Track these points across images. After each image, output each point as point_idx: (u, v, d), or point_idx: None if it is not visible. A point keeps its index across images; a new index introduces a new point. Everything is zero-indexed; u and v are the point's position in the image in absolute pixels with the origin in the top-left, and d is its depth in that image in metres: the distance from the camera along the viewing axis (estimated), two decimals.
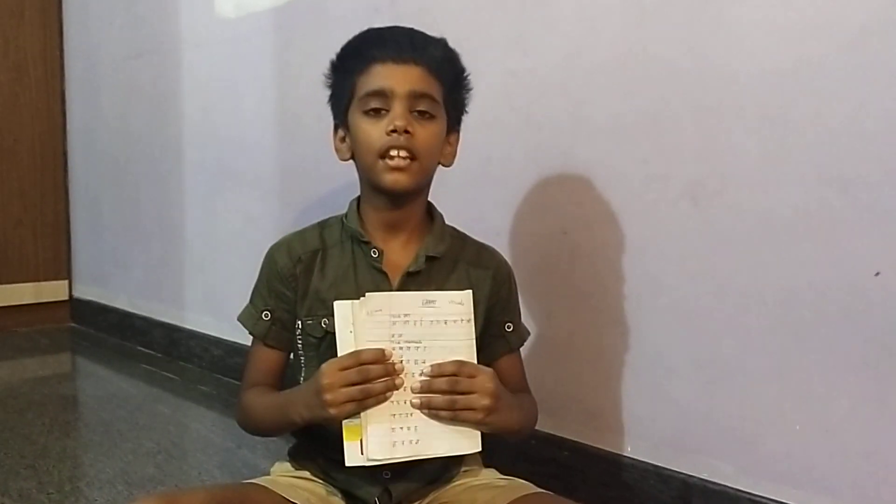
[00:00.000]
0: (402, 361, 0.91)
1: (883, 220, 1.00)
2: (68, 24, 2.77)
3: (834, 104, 1.04)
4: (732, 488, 1.16)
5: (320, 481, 1.04)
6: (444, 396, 0.90)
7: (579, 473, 1.34)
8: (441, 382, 0.90)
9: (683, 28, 1.18)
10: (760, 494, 1.13)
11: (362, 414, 0.90)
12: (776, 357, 1.11)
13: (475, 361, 0.93)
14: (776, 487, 1.11)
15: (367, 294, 0.91)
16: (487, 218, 1.42)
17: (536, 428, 1.38)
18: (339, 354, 0.91)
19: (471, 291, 0.94)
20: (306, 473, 1.05)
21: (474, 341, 0.94)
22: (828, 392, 1.06)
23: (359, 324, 0.90)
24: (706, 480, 1.19)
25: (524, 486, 1.01)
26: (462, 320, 0.93)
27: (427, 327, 0.91)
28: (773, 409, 1.11)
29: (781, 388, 1.10)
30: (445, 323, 0.92)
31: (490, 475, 1.07)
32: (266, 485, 1.00)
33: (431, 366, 0.91)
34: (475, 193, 1.45)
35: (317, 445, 1.03)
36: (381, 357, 0.89)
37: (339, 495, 1.03)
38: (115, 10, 2.53)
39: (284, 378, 1.09)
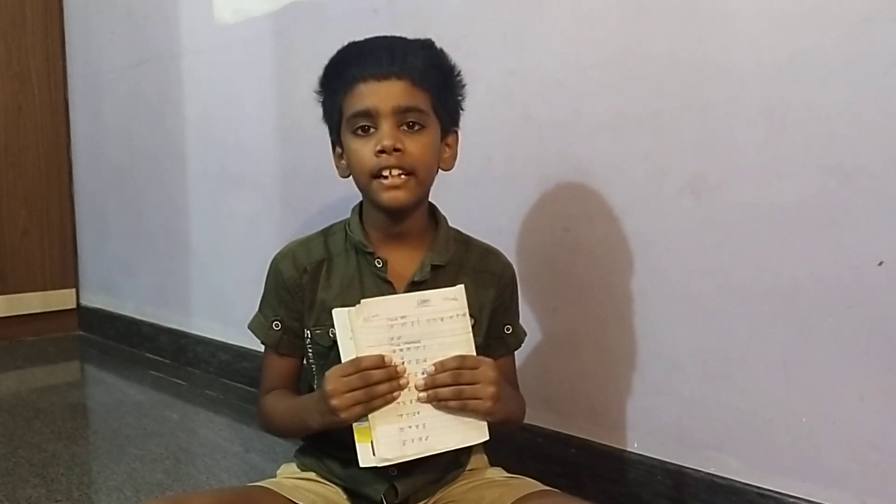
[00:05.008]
0: (403, 362, 0.91)
1: (884, 209, 1.00)
2: (70, 34, 2.78)
3: (833, 94, 1.03)
4: (740, 482, 1.15)
5: (326, 482, 1.04)
6: (450, 388, 0.91)
7: (586, 470, 1.34)
8: (445, 377, 0.91)
9: (680, 22, 1.18)
10: (768, 488, 1.12)
11: (370, 416, 0.90)
12: (781, 349, 1.10)
13: (474, 353, 0.94)
14: (783, 481, 1.11)
15: (362, 301, 0.92)
16: (489, 217, 1.42)
17: (543, 426, 1.39)
18: (342, 361, 0.92)
19: (463, 286, 0.95)
20: (312, 475, 1.05)
21: (471, 334, 0.94)
22: (833, 384, 1.06)
23: (357, 330, 0.91)
24: (713, 475, 1.18)
25: (531, 484, 1.02)
26: (458, 315, 0.93)
27: (425, 326, 0.92)
28: (778, 402, 1.11)
29: (787, 380, 1.10)
30: (442, 320, 0.93)
31: (497, 473, 1.07)
32: (271, 487, 1.00)
33: (434, 364, 0.92)
34: (476, 193, 1.45)
35: (322, 446, 1.04)
36: (380, 363, 0.90)
37: (345, 496, 1.03)
38: (116, 19, 2.54)
39: (300, 380, 1.10)
